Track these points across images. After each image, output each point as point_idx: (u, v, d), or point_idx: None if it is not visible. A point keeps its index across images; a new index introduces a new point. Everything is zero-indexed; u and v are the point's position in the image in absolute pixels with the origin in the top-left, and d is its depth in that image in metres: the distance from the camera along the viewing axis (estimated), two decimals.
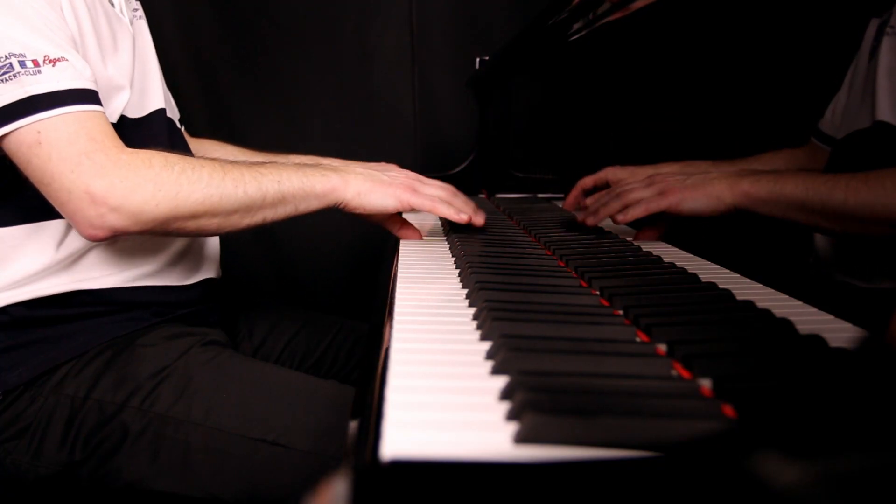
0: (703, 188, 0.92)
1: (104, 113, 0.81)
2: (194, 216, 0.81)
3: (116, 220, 0.78)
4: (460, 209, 0.96)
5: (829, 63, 1.25)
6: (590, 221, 1.04)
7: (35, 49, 0.77)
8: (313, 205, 0.89)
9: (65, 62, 0.78)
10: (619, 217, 0.98)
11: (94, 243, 0.89)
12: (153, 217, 0.79)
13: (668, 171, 1.26)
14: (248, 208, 0.85)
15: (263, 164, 0.89)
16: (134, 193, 0.77)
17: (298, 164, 0.93)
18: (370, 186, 0.91)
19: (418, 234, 1.03)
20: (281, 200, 0.87)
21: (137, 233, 0.81)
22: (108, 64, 0.89)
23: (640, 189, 0.99)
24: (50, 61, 0.77)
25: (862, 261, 1.00)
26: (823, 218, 0.85)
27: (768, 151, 1.28)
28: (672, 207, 0.94)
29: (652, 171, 1.26)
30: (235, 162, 0.87)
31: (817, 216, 0.85)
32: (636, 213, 0.97)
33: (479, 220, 0.98)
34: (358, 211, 0.91)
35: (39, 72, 0.76)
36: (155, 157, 0.80)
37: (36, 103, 0.76)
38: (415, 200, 0.92)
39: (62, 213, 0.80)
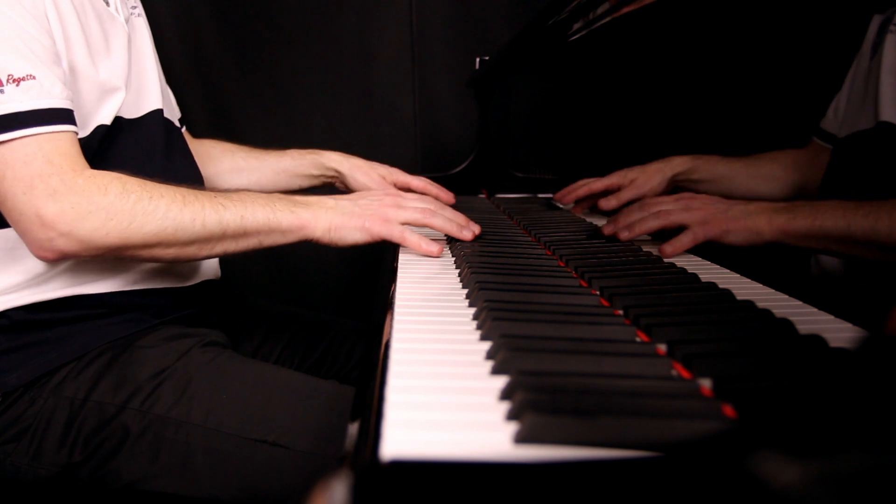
0: (743, 221, 0.90)
1: (71, 132, 0.80)
2: (146, 246, 0.81)
3: (65, 245, 0.77)
4: (439, 230, 0.93)
5: (832, 61, 1.24)
6: (624, 236, 0.99)
7: (0, 67, 0.76)
8: (279, 240, 0.88)
9: (31, 81, 0.77)
10: (668, 249, 0.93)
11: None
12: (104, 245, 0.78)
13: (678, 162, 1.25)
14: (207, 240, 0.84)
15: (230, 194, 0.87)
16: (84, 221, 0.76)
17: (270, 195, 0.90)
18: (340, 222, 0.88)
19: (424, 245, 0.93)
20: (243, 234, 0.86)
21: (88, 257, 0.80)
22: (100, 67, 0.89)
23: (679, 211, 0.96)
24: (14, 80, 0.76)
25: (864, 265, 0.99)
26: (867, 249, 0.84)
27: (773, 151, 1.28)
28: (717, 238, 0.92)
29: (662, 164, 1.26)
30: (200, 191, 0.85)
31: (860, 248, 0.84)
32: (684, 244, 0.93)
33: (465, 235, 0.94)
34: (331, 246, 0.90)
35: (2, 92, 0.76)
36: (112, 184, 0.79)
37: None
38: (384, 233, 0.89)
39: (15, 231, 0.80)
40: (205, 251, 0.85)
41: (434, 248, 0.90)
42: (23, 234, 0.78)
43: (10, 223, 0.79)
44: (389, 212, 0.91)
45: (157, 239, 0.80)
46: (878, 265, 0.95)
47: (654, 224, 0.97)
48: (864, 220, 0.83)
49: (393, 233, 0.89)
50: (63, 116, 0.79)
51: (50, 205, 0.76)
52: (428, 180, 1.23)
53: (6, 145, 0.76)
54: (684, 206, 0.96)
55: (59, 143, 0.78)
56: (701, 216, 0.93)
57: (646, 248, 0.96)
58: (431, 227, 0.94)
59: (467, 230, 0.95)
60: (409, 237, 0.90)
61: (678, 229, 0.95)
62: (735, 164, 1.25)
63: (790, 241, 0.88)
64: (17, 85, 0.76)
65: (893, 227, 0.81)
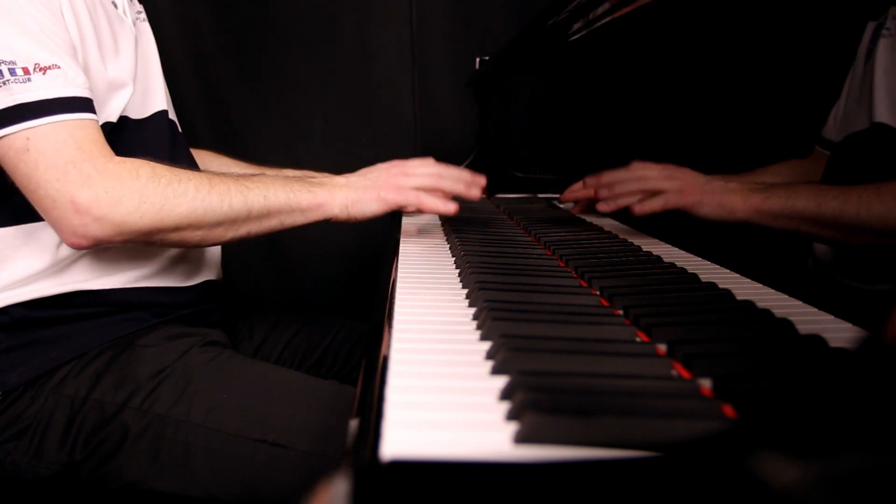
0: (719, 196, 0.93)
1: (96, 121, 0.81)
2: (178, 228, 0.82)
3: (99, 231, 0.78)
4: (449, 191, 0.98)
5: (831, 71, 1.24)
6: (602, 208, 1.05)
7: (26, 56, 0.77)
8: (299, 220, 0.91)
9: (56, 70, 0.78)
10: (637, 208, 0.98)
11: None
12: (137, 228, 0.79)
13: None
14: (233, 222, 0.86)
15: (251, 177, 0.89)
16: (119, 205, 0.77)
17: (287, 177, 0.93)
18: (356, 196, 0.92)
19: (443, 206, 0.97)
20: (266, 215, 0.88)
21: (120, 243, 0.81)
22: (109, 65, 0.89)
23: (661, 179, 0.99)
24: (41, 69, 0.77)
25: (862, 264, 1.00)
26: (836, 231, 0.86)
27: (774, 163, 1.28)
28: (688, 208, 0.95)
29: None
30: (223, 175, 0.87)
31: (830, 229, 0.86)
32: (654, 206, 0.97)
33: (474, 193, 0.99)
34: (349, 222, 0.93)
35: (29, 80, 0.76)
36: (143, 168, 0.80)
37: (24, 111, 0.76)
38: (400, 200, 0.94)
39: (46, 220, 0.80)
40: (230, 233, 0.87)
41: (451, 207, 0.96)
42: (56, 222, 0.78)
43: (40, 211, 0.79)
44: (400, 179, 0.95)
45: (188, 221, 0.82)
46: (869, 262, 0.96)
47: (633, 187, 1.01)
48: (833, 202, 0.85)
49: (409, 198, 0.94)
50: (87, 105, 0.80)
51: (84, 191, 0.76)
52: (432, 159, 1.24)
53: (38, 131, 0.76)
54: (667, 175, 0.99)
55: (87, 130, 0.79)
56: (679, 185, 0.96)
57: (646, 248, 0.96)
58: (442, 189, 0.97)
59: (475, 188, 1.00)
60: (427, 201, 0.94)
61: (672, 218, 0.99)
62: (734, 181, 1.25)
63: (763, 221, 0.91)
64: (44, 73, 0.77)
65: (860, 210, 0.82)
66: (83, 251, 0.89)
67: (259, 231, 0.89)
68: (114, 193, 0.77)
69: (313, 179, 0.93)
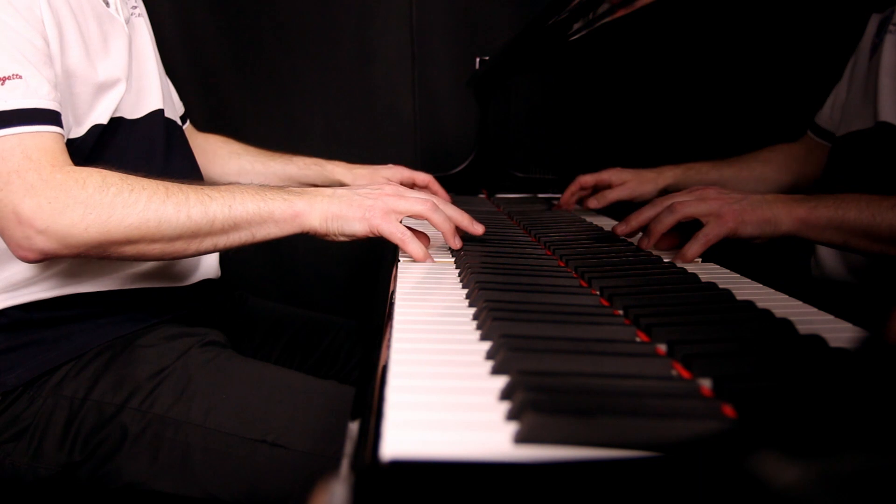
0: (760, 211, 0.86)
1: (56, 133, 0.78)
2: (130, 241, 0.77)
3: (44, 243, 0.74)
4: (439, 227, 0.88)
5: (827, 56, 1.25)
6: (645, 244, 0.95)
7: None
8: (273, 231, 0.84)
9: (17, 80, 0.76)
10: (689, 253, 0.89)
11: None
12: (83, 241, 0.75)
13: (670, 174, 1.26)
14: (194, 234, 0.79)
15: (217, 187, 0.83)
16: (61, 216, 0.73)
17: (263, 186, 0.87)
18: (338, 211, 0.84)
19: (423, 254, 0.88)
20: (233, 226, 0.81)
21: (69, 256, 0.77)
22: (98, 66, 0.88)
23: (694, 202, 0.91)
24: (0, 79, 0.75)
25: (867, 268, 0.99)
26: (891, 245, 0.81)
27: (764, 148, 1.28)
28: (733, 233, 0.87)
29: (655, 175, 1.26)
30: (185, 184, 0.82)
31: (884, 244, 0.82)
32: (699, 248, 0.88)
33: (456, 243, 0.90)
34: (329, 238, 0.86)
35: None
36: (91, 178, 0.76)
37: None
38: (385, 229, 0.84)
39: None
40: (193, 247, 0.81)
41: (429, 256, 0.88)
42: (2, 234, 0.76)
43: None
44: (390, 201, 0.86)
45: (140, 233, 0.77)
46: (881, 269, 0.95)
47: (668, 220, 0.93)
48: (888, 213, 0.80)
49: (394, 232, 0.85)
50: (48, 117, 0.78)
51: (27, 200, 0.73)
52: (432, 177, 1.24)
53: None
54: (698, 196, 0.92)
55: (41, 140, 0.76)
56: (716, 206, 0.89)
57: (646, 248, 0.95)
58: (430, 223, 0.89)
59: (458, 239, 0.90)
60: (410, 242, 0.85)
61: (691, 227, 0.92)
62: (725, 169, 1.25)
63: (809, 234, 0.85)
64: (3, 84, 0.75)
65: None
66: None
67: (228, 244, 0.83)
68: (56, 204, 0.73)
69: (293, 189, 0.86)
